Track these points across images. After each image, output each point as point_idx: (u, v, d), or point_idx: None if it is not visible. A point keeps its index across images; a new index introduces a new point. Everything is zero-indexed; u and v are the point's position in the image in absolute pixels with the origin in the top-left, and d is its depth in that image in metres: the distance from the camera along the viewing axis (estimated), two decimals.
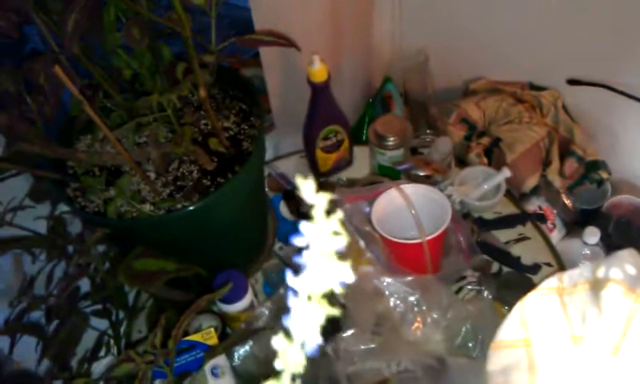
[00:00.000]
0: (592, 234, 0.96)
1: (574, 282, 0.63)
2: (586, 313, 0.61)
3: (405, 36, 1.14)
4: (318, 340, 0.21)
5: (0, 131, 0.78)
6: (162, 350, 0.63)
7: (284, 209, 0.98)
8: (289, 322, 0.21)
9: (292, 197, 0.98)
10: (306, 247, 0.20)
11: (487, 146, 1.10)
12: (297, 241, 0.20)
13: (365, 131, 1.14)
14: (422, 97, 1.14)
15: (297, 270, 0.20)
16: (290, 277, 0.20)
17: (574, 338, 0.62)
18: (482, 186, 0.92)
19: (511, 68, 1.16)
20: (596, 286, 0.61)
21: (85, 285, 0.88)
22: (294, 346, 0.21)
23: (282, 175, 1.01)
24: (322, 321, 0.20)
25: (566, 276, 0.64)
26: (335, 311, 0.21)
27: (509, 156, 1.07)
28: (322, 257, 0.20)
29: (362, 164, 1.08)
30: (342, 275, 0.20)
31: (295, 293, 0.20)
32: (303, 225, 0.20)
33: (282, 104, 1.03)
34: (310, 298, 0.20)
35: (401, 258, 0.80)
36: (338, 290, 0.20)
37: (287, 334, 0.21)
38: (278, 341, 0.21)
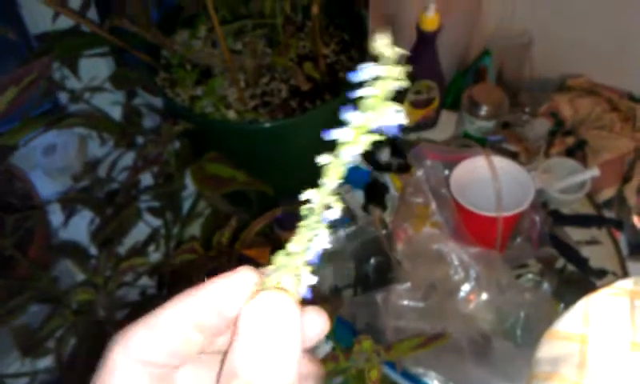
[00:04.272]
0: None
1: None
2: None
3: (514, 14, 1.10)
4: (358, 160, 0.23)
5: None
6: (227, 249, 0.63)
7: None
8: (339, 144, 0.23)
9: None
10: (365, 85, 0.21)
11: (570, 146, 1.07)
12: (355, 76, 0.21)
13: (449, 99, 1.11)
14: (515, 80, 1.10)
15: (354, 104, 0.22)
16: (346, 110, 0.22)
17: (633, 345, 0.60)
18: (566, 179, 0.88)
19: (613, 74, 1.11)
20: None
21: (144, 180, 0.89)
22: (338, 161, 0.23)
23: None
24: (364, 148, 0.22)
25: None
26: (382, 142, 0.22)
27: (591, 161, 1.03)
28: (378, 96, 0.21)
29: (443, 129, 1.05)
30: (395, 116, 0.21)
31: (347, 123, 0.22)
32: (366, 66, 0.21)
33: None
34: (360, 128, 0.22)
35: (471, 228, 0.78)
36: (394, 129, 0.22)
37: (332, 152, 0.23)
38: (323, 157, 0.23)
